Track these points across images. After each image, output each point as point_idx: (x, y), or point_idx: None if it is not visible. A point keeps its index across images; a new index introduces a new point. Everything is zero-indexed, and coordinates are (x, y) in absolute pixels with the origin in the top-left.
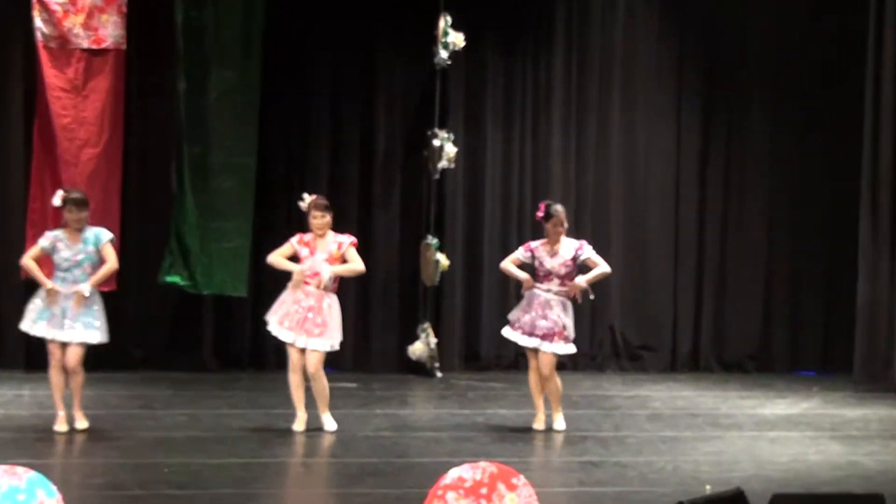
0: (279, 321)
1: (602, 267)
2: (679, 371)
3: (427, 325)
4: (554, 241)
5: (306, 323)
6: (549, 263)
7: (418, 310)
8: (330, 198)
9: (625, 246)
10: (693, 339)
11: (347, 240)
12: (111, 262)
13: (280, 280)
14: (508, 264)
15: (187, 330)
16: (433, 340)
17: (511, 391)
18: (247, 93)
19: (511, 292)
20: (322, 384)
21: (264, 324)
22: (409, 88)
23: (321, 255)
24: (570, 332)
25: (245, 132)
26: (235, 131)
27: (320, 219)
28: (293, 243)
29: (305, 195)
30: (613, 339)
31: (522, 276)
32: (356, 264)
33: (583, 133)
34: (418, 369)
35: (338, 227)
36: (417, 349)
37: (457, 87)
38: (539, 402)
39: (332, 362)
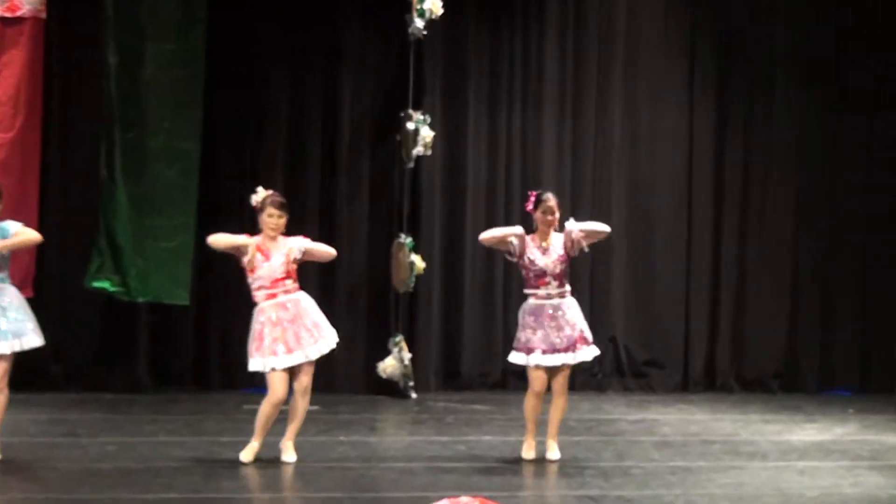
0: (273, 351)
1: (598, 224)
2: (692, 391)
3: (400, 338)
4: (544, 235)
5: (302, 335)
6: (542, 261)
7: (389, 320)
8: (288, 190)
9: (629, 246)
10: (708, 353)
11: (297, 242)
12: (32, 235)
13: (231, 285)
14: (493, 230)
15: (118, 344)
16: (407, 356)
17: (497, 415)
18: (189, 66)
19: (498, 301)
20: (307, 404)
21: (207, 337)
22: (380, 63)
23: (279, 259)
24: (588, 332)
25: (187, 113)
26: (176, 112)
27: (277, 219)
28: (251, 245)
29: (259, 189)
30: (616, 353)
31: (514, 229)
32: (326, 246)
33: (580, 116)
34: (389, 389)
35: (297, 224)
36: (389, 366)
37: (434, 62)
38: (533, 427)
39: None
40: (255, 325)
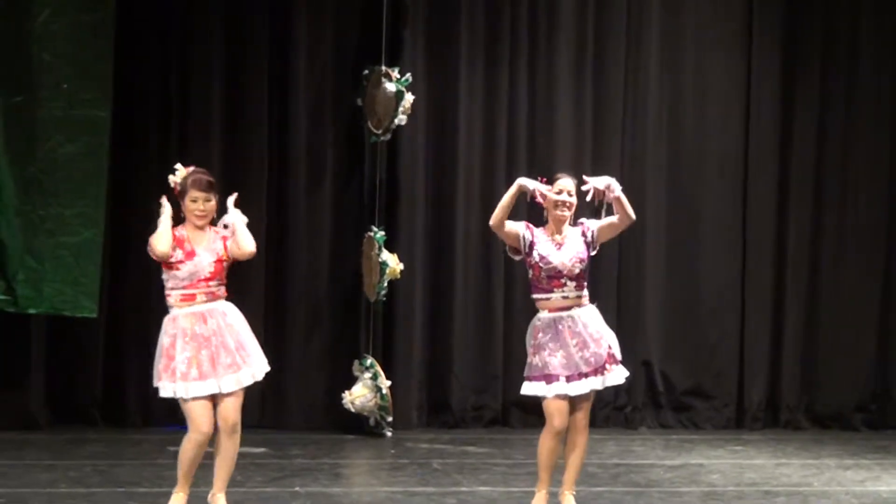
0: (183, 376)
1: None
2: (749, 428)
3: (371, 360)
4: (558, 226)
5: (220, 359)
6: (557, 258)
7: (359, 338)
8: (227, 170)
9: (667, 246)
10: (770, 381)
11: (230, 217)
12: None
13: (153, 293)
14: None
15: (5, 369)
16: (385, 383)
17: (496, 459)
18: (96, 9)
19: (498, 313)
20: (237, 445)
21: (121, 360)
22: (343, 7)
23: (207, 255)
24: (617, 347)
25: (94, 71)
26: (78, 70)
27: (202, 203)
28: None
29: (178, 167)
30: (650, 381)
31: (527, 183)
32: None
33: (603, 77)
34: (358, 426)
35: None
36: (358, 396)
37: (416, 8)
38: (547, 476)
39: None
40: (164, 338)
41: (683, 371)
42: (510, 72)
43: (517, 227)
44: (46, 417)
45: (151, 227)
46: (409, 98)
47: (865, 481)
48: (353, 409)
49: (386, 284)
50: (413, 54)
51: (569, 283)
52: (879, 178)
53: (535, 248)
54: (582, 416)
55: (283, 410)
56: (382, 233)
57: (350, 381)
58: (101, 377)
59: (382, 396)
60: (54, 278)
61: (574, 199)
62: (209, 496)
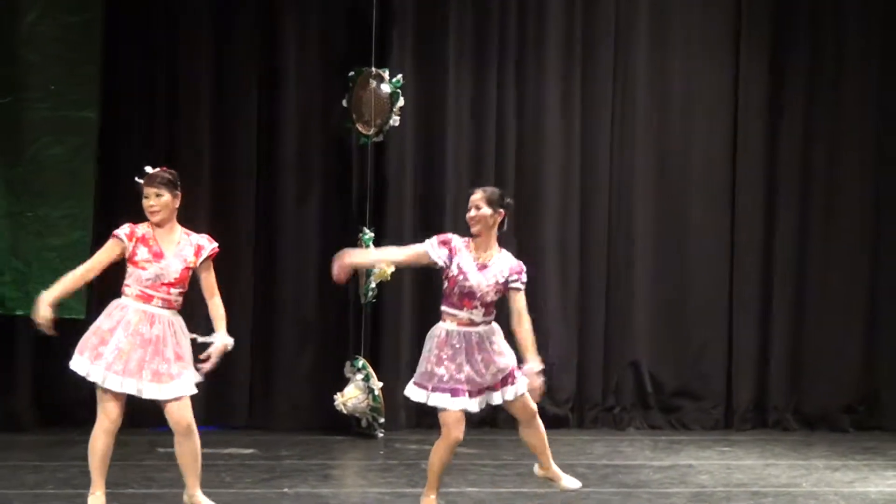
0: (107, 365)
1: (527, 324)
2: (737, 429)
3: (363, 361)
4: (482, 246)
5: (149, 365)
6: (475, 279)
7: (348, 339)
8: (215, 170)
9: (655, 244)
10: (758, 382)
11: (209, 245)
12: None
13: None
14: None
15: None
16: (376, 384)
17: (485, 459)
18: (84, 11)
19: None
20: (196, 445)
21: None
22: (331, 8)
23: (175, 261)
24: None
25: (82, 72)
26: (66, 71)
27: (153, 199)
28: (121, 237)
29: (147, 169)
30: (639, 381)
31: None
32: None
33: (593, 79)
34: (347, 427)
35: (228, 214)
36: (350, 398)
37: (405, 9)
38: (437, 481)
39: (220, 417)
40: (105, 321)
41: (672, 372)
42: (498, 74)
43: (420, 249)
44: (33, 418)
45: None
46: (398, 101)
47: (854, 482)
48: (344, 411)
49: (375, 286)
50: (401, 55)
51: (479, 307)
52: (865, 181)
53: (452, 260)
54: (528, 412)
55: (271, 411)
56: (371, 234)
57: (339, 382)
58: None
59: (375, 398)
60: (41, 280)
61: (485, 211)
62: (185, 498)
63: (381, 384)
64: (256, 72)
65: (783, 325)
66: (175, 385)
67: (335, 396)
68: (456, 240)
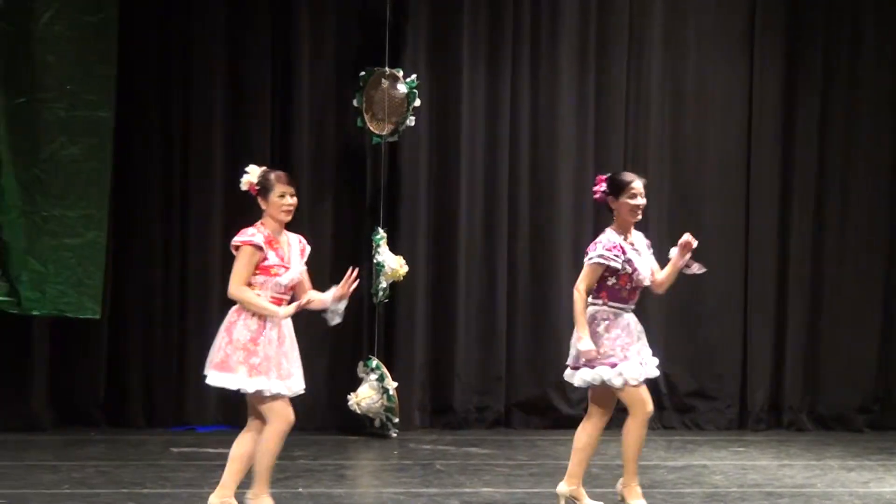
0: (267, 373)
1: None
2: (752, 429)
3: (377, 361)
4: (626, 230)
5: (283, 362)
6: (639, 262)
7: (362, 339)
8: (229, 170)
9: (670, 242)
10: (773, 382)
11: (307, 246)
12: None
13: (156, 294)
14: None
15: (8, 371)
16: (391, 384)
17: (499, 460)
18: (99, 11)
19: (500, 314)
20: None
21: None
22: (345, 8)
23: (298, 266)
24: None
25: (97, 72)
26: (81, 71)
27: (290, 197)
28: (260, 245)
29: (251, 167)
30: (653, 382)
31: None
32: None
33: (607, 78)
34: (360, 427)
35: (239, 211)
36: (365, 398)
37: (418, 9)
38: (582, 469)
39: (234, 417)
40: (243, 331)
41: (687, 372)
42: (512, 73)
43: (597, 271)
44: (50, 419)
45: (154, 228)
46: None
47: (869, 482)
48: (358, 411)
49: (386, 286)
50: (415, 56)
51: (637, 293)
52: (881, 180)
53: (628, 258)
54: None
55: None
56: (384, 233)
57: (353, 382)
58: (105, 378)
59: (389, 398)
60: (57, 280)
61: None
62: (251, 499)
63: (395, 384)
64: (271, 71)
65: (798, 325)
66: (297, 379)
67: (349, 396)
68: (614, 236)
